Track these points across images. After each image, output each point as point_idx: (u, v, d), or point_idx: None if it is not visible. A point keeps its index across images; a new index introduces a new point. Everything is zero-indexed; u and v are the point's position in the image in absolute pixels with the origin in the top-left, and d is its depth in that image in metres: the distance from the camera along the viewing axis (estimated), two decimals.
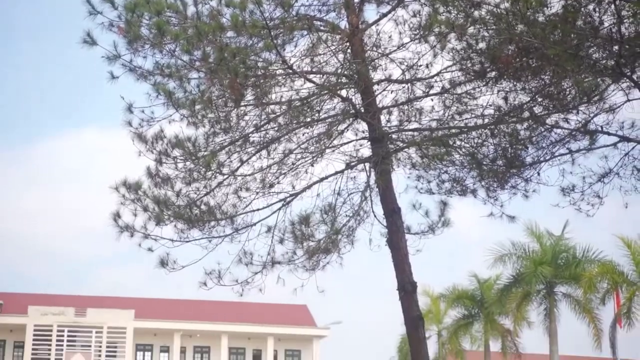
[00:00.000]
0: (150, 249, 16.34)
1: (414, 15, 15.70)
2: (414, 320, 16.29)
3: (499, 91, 15.41)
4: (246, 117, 16.49)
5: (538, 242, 43.56)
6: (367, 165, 17.05)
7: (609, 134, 14.87)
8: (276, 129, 16.72)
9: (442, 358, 52.34)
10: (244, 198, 16.99)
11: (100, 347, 60.80)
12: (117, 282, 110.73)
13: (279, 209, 17.12)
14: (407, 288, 16.28)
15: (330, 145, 17.27)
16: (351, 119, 16.89)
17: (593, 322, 41.96)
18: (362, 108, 16.30)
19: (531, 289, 42.89)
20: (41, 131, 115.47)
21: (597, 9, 12.68)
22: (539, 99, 15.14)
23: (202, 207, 16.65)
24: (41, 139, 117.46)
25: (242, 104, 15.86)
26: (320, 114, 16.77)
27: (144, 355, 64.63)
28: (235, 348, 65.99)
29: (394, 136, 16.95)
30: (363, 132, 17.02)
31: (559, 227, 44.21)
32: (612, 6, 12.53)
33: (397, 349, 59.68)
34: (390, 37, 16.21)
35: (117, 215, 16.14)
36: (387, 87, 16.58)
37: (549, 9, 12.94)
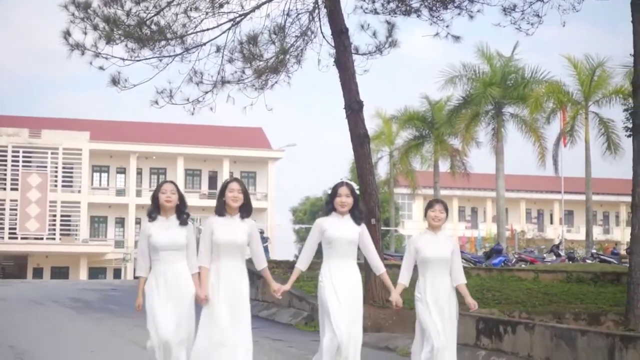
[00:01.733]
0: (101, 68, 16.55)
1: None
2: (360, 137, 16.88)
3: None
4: None
5: (488, 63, 44.11)
6: None
7: None
8: None
9: (393, 178, 53.65)
10: (193, 18, 17.08)
11: (57, 168, 61.42)
12: (72, 105, 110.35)
13: (229, 29, 17.28)
14: (353, 107, 16.77)
15: None
16: None
17: (538, 141, 43.31)
18: None
19: (480, 110, 43.78)
20: None
21: None
22: None
23: (152, 26, 16.74)
24: None
25: None
26: None
27: (100, 177, 65.45)
28: (191, 170, 66.97)
29: None
30: None
31: (510, 49, 44.81)
32: None
33: (349, 169, 61.08)
34: None
35: (67, 34, 16.22)
36: None
37: None
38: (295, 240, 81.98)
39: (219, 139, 65.76)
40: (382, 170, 53.05)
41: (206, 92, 17.14)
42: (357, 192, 7.91)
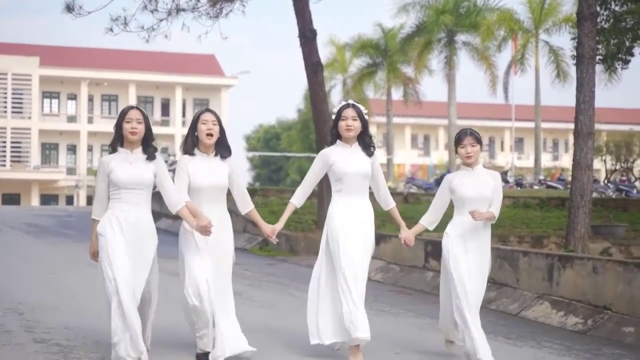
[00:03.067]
0: None
1: None
2: (314, 65, 17.17)
3: None
4: None
5: None
6: None
7: None
8: None
9: None
10: None
11: (6, 93, 60.62)
12: (20, 30, 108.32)
13: None
14: (307, 35, 17.01)
15: None
16: None
17: (490, 69, 43.88)
18: None
19: (433, 38, 44.11)
20: None
21: None
22: None
23: None
24: None
25: None
26: None
27: (50, 103, 64.77)
28: (144, 97, 66.51)
29: None
30: None
31: None
32: None
33: (303, 97, 61.28)
34: None
35: None
36: None
37: None
38: (249, 168, 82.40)
39: (172, 65, 65.31)
40: (335, 98, 53.22)
41: (161, 20, 17.21)
42: (366, 116, 6.81)
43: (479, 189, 6.83)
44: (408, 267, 12.98)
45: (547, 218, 19.82)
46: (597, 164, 41.48)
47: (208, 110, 6.67)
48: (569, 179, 39.33)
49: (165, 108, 66.84)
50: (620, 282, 8.88)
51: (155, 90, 66.51)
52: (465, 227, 6.82)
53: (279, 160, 75.90)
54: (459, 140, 6.90)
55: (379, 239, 14.15)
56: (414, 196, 25.40)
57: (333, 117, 6.82)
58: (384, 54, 48.24)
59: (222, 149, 6.63)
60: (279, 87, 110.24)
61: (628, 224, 18.09)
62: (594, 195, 25.58)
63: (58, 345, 7.02)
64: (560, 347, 8.02)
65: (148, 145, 6.42)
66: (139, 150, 6.40)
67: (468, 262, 6.79)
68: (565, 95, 54.00)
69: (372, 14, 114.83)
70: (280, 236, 17.24)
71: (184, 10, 17.15)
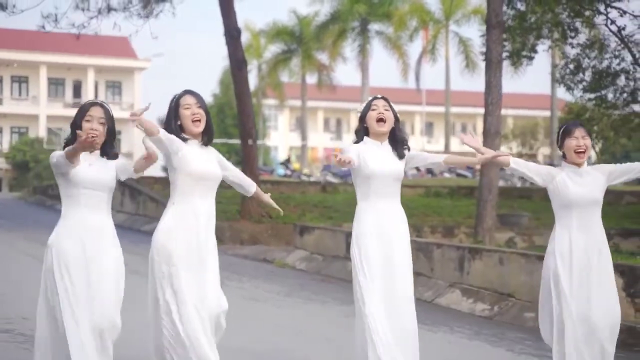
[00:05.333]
0: None
1: None
2: (239, 62, 17.95)
3: None
4: None
5: None
6: None
7: None
8: None
9: (261, 90, 54.66)
10: None
11: None
12: None
13: None
14: (232, 34, 17.75)
15: None
16: None
17: (402, 58, 45.20)
18: None
19: (347, 26, 45.11)
20: None
21: None
22: None
23: None
24: None
25: None
26: None
27: None
28: (55, 79, 65.72)
29: None
30: None
31: None
32: None
33: (218, 82, 61.57)
34: None
35: None
36: None
37: None
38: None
39: (83, 47, 64.51)
40: (250, 82, 53.78)
41: (91, 18, 17.64)
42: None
43: (589, 189, 5.43)
44: (330, 257, 13.87)
45: (457, 207, 20.94)
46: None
47: (188, 92, 5.58)
48: (477, 167, 41.04)
49: (77, 90, 66.20)
50: (522, 272, 9.94)
51: (67, 71, 65.77)
52: (577, 241, 5.39)
53: None
54: (568, 131, 5.50)
55: (303, 230, 15.07)
56: (332, 185, 26.12)
57: (359, 114, 5.88)
58: (299, 41, 48.98)
59: (208, 135, 5.61)
60: (194, 71, 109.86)
61: (531, 213, 19.34)
62: (501, 183, 26.98)
63: (23, 335, 7.48)
64: (470, 332, 9.02)
65: (108, 147, 5.40)
66: (97, 153, 5.37)
67: (590, 284, 5.35)
68: (474, 82, 55.89)
69: (287, 0, 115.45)
70: None
71: (115, 9, 17.61)
